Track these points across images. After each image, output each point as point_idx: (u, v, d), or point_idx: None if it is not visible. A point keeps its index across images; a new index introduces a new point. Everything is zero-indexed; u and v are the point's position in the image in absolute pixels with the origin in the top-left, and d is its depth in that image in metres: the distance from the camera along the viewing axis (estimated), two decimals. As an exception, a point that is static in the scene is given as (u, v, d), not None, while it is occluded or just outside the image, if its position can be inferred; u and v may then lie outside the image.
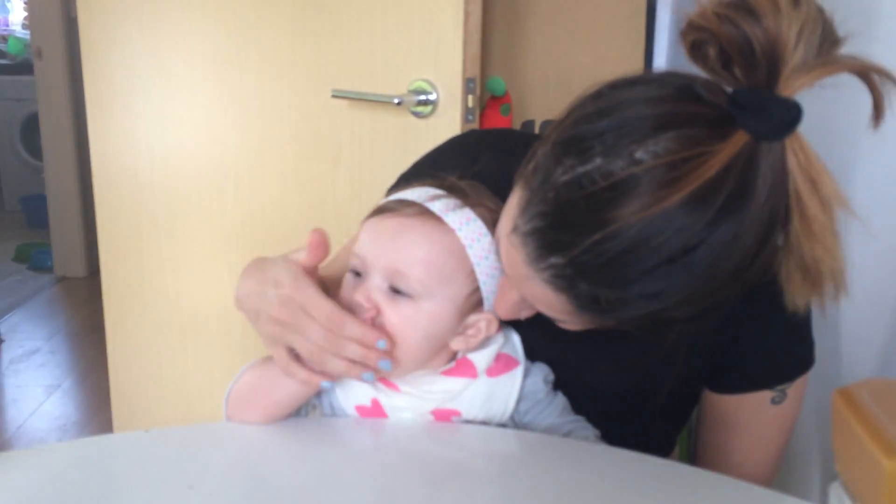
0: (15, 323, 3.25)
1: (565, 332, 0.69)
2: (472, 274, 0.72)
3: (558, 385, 0.78)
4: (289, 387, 0.72)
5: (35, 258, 3.94)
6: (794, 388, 0.79)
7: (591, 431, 0.76)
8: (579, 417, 0.77)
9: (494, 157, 0.83)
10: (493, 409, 0.74)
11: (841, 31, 0.56)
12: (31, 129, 4.61)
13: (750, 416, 0.80)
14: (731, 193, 0.54)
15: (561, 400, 0.77)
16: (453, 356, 0.75)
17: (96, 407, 2.50)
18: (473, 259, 0.71)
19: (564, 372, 0.78)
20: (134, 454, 0.69)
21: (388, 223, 0.72)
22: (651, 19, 1.58)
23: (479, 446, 0.72)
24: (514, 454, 0.73)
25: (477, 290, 0.72)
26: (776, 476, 0.85)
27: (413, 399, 0.73)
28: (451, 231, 0.71)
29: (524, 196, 0.61)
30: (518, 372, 0.75)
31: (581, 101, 0.61)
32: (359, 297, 0.70)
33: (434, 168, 0.85)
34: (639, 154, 0.54)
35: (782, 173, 0.55)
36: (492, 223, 0.71)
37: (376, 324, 0.70)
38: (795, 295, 0.59)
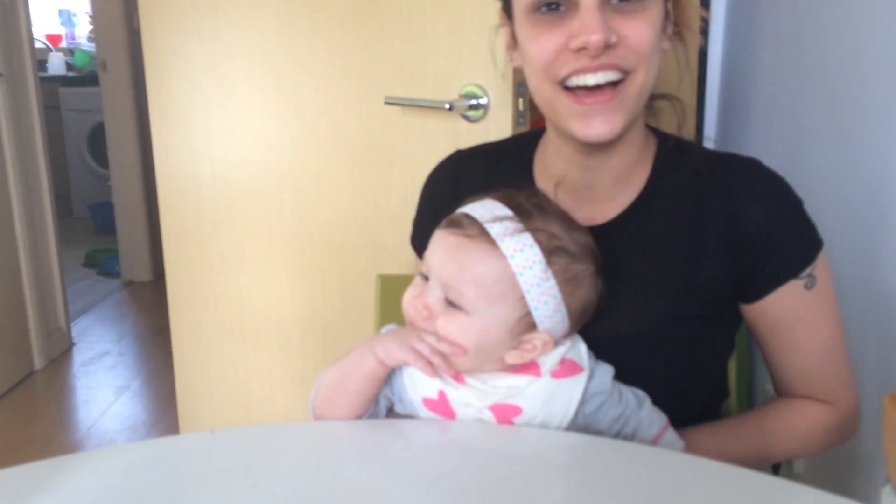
0: (85, 326, 3.37)
1: None
2: (522, 299, 0.74)
3: (594, 331, 0.81)
4: (362, 374, 0.76)
5: (103, 263, 4.07)
6: (819, 270, 0.83)
7: (655, 427, 0.78)
8: (641, 399, 0.79)
9: (478, 169, 0.88)
10: (554, 410, 0.75)
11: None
12: (97, 138, 4.78)
13: (794, 309, 0.83)
14: None
15: (626, 395, 0.79)
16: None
17: (164, 407, 2.58)
18: (523, 286, 0.74)
19: (593, 321, 0.81)
20: (201, 454, 0.71)
21: (451, 239, 0.76)
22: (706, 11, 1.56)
23: (538, 450, 0.73)
24: (578, 459, 0.73)
25: (528, 314, 0.75)
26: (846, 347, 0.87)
27: (477, 392, 0.75)
28: (503, 257, 0.74)
29: None
30: (582, 378, 0.76)
31: None
32: (418, 304, 0.76)
33: (431, 201, 0.96)
34: None
35: None
36: (549, 250, 0.74)
37: (430, 326, 0.75)
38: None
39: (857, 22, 1.06)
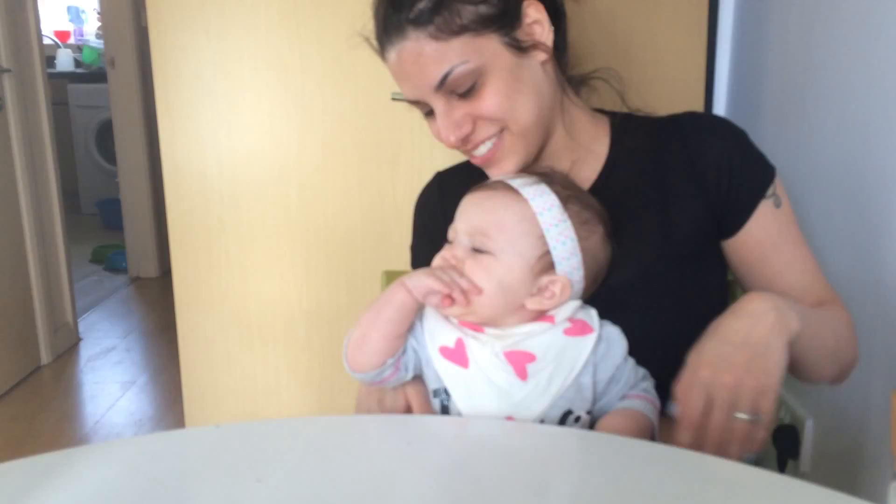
0: (92, 322, 3.38)
1: None
2: (542, 238, 0.82)
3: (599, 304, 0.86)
4: (393, 306, 0.80)
5: (111, 259, 4.09)
6: (779, 189, 0.91)
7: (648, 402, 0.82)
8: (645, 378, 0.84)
9: (459, 184, 0.94)
10: (563, 364, 0.79)
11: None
12: (105, 135, 4.80)
13: (773, 228, 0.91)
14: None
15: (638, 369, 0.83)
16: (532, 318, 0.82)
17: (170, 403, 2.59)
18: (543, 225, 0.82)
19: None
20: (205, 448, 0.72)
21: (476, 195, 0.85)
22: (713, 13, 1.55)
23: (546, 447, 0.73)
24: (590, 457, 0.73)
25: (547, 253, 0.82)
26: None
27: (492, 338, 0.80)
28: (524, 200, 0.82)
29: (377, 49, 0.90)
30: (591, 338, 0.81)
31: None
32: (446, 254, 0.82)
33: (423, 224, 1.04)
34: None
35: None
36: (564, 197, 0.83)
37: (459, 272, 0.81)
38: None
39: (866, 18, 1.06)
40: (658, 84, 1.50)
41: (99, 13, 4.34)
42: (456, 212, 0.85)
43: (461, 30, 0.82)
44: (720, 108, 1.65)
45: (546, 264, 0.82)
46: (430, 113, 0.89)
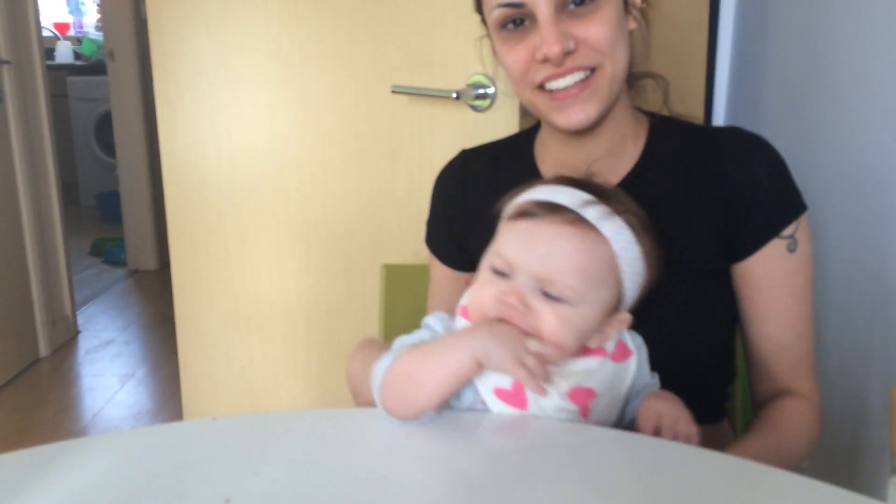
0: (91, 314, 3.38)
1: None
2: (619, 280, 0.76)
3: None
4: (452, 372, 0.71)
5: (110, 252, 4.09)
6: (801, 234, 0.87)
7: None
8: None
9: (483, 167, 0.92)
10: (615, 391, 0.77)
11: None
12: (105, 127, 4.79)
13: (778, 271, 0.87)
14: None
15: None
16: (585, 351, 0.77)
17: (168, 395, 2.59)
18: (622, 267, 0.75)
19: None
20: (202, 441, 0.71)
21: (541, 230, 0.74)
22: (714, 12, 1.55)
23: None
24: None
25: (619, 295, 0.77)
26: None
27: (553, 377, 0.73)
28: (605, 240, 0.74)
29: None
30: (633, 361, 0.79)
31: None
32: (511, 299, 0.72)
33: (443, 202, 1.00)
34: None
35: None
36: (640, 230, 0.77)
37: (528, 324, 0.72)
38: None
39: (865, 14, 1.05)
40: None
41: (98, 5, 4.33)
42: (506, 239, 0.76)
43: None
44: (720, 107, 1.64)
45: (617, 304, 0.77)
46: (518, 25, 0.83)
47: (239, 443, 0.70)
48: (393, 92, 1.35)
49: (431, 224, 1.04)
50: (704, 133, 0.91)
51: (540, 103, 0.86)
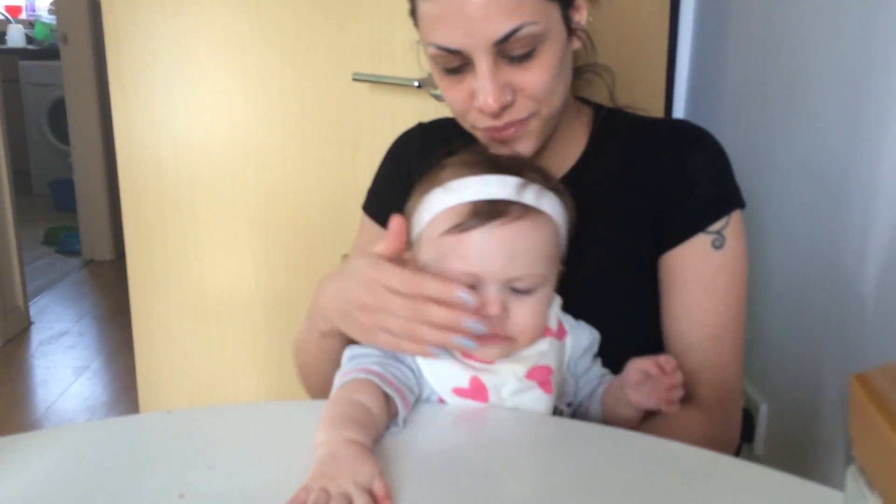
0: (44, 305, 3.30)
1: None
2: (560, 251, 0.79)
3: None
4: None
5: (63, 242, 3.99)
6: (731, 231, 0.84)
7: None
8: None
9: (443, 142, 0.86)
10: (561, 368, 0.79)
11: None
12: (58, 114, 4.67)
13: (698, 266, 0.84)
14: None
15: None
16: None
17: (124, 388, 2.54)
18: (562, 234, 0.78)
19: None
20: (155, 435, 0.70)
21: (497, 234, 0.72)
22: (675, 7, 1.56)
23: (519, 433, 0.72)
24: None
25: (561, 262, 0.79)
26: (743, 337, 0.87)
27: (510, 365, 0.73)
28: (549, 217, 0.76)
29: None
30: (568, 339, 0.80)
31: None
32: (492, 310, 0.71)
33: (396, 166, 0.97)
34: None
35: None
36: (557, 189, 0.78)
37: (504, 323, 0.72)
38: None
39: (826, 14, 1.07)
40: (619, 78, 1.50)
41: (51, -12, 4.21)
42: (462, 254, 0.72)
43: None
44: (680, 102, 1.66)
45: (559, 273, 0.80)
46: (454, 70, 0.79)
47: (193, 436, 0.69)
48: (354, 80, 1.34)
49: (379, 190, 0.99)
50: (648, 125, 0.91)
51: (478, 136, 0.85)
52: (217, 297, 1.57)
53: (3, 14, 5.12)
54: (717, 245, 0.84)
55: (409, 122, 1.02)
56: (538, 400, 0.74)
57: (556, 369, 0.76)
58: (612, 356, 0.81)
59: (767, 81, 1.25)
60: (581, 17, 0.82)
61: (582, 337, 0.81)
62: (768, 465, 0.66)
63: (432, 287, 0.68)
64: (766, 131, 1.25)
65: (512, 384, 0.73)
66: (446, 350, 0.72)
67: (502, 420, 0.73)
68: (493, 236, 0.72)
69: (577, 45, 0.84)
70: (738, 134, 1.35)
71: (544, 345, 0.76)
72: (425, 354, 0.71)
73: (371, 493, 0.57)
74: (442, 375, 0.73)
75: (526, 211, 0.73)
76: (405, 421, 0.69)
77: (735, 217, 0.85)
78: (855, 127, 0.98)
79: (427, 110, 1.32)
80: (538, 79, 0.78)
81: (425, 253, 0.75)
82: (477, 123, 0.82)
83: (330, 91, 1.40)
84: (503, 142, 0.82)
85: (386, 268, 0.69)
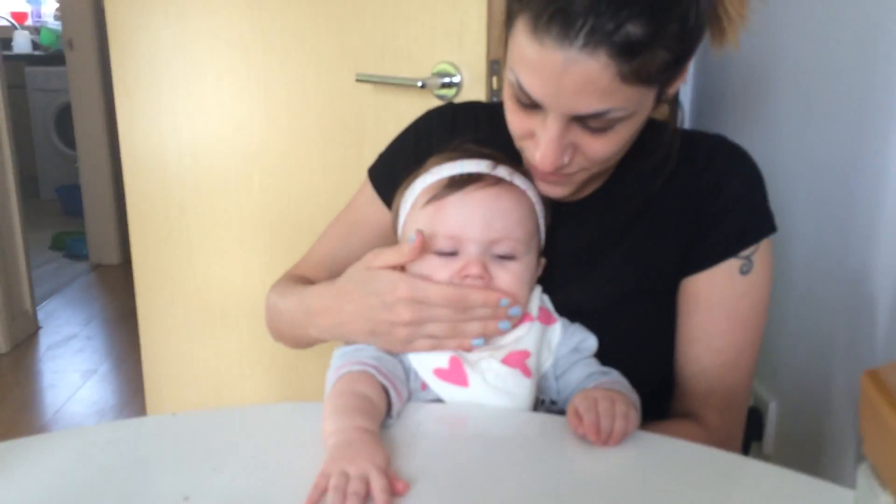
0: (52, 310, 3.31)
1: (557, 257, 0.82)
2: (539, 228, 0.80)
3: (555, 304, 0.83)
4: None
5: (71, 246, 4.00)
6: (759, 257, 0.82)
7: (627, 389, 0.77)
8: (609, 370, 0.79)
9: (474, 126, 0.87)
10: (544, 351, 0.78)
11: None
12: (65, 119, 4.67)
13: (724, 291, 0.82)
14: None
15: (594, 361, 0.80)
16: None
17: (132, 391, 2.54)
18: (538, 212, 0.80)
19: (558, 292, 0.83)
20: (161, 437, 0.70)
21: (476, 198, 0.76)
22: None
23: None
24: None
25: (540, 241, 0.81)
26: (754, 366, 0.86)
27: (488, 351, 0.76)
28: (523, 192, 0.79)
29: (528, 10, 0.67)
30: (557, 327, 0.80)
31: None
32: (473, 271, 0.74)
33: (419, 143, 0.93)
34: None
35: None
36: (530, 176, 0.80)
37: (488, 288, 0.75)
38: (730, 17, 0.74)
39: (828, 11, 1.06)
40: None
41: (57, -7, 4.22)
42: (440, 218, 0.76)
43: (647, 79, 0.68)
44: (685, 99, 1.65)
45: (539, 253, 0.82)
46: (526, 106, 0.73)
47: (199, 439, 0.69)
48: (357, 81, 1.33)
49: (391, 159, 0.96)
50: (686, 143, 0.85)
51: (523, 156, 0.81)
52: (223, 300, 1.57)
53: (9, 20, 5.14)
54: (745, 270, 0.82)
55: (412, 122, 1.01)
56: (519, 384, 0.74)
57: (535, 353, 0.76)
58: (626, 376, 0.78)
59: (772, 82, 1.24)
60: (678, 86, 0.75)
61: (572, 338, 0.80)
62: (778, 463, 0.65)
63: (479, 298, 0.73)
64: (772, 131, 1.24)
65: (491, 369, 0.74)
66: (485, 339, 0.75)
67: (494, 416, 0.72)
68: (469, 199, 0.76)
69: (660, 111, 0.79)
70: (743, 134, 1.34)
71: (521, 330, 0.77)
72: (467, 348, 0.75)
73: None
74: (423, 357, 0.75)
75: (500, 181, 0.77)
76: (398, 414, 0.71)
77: (765, 243, 0.82)
78: (861, 125, 0.97)
79: (431, 110, 1.32)
80: (606, 149, 0.74)
81: (409, 234, 0.77)
82: (525, 152, 0.78)
83: (333, 92, 1.40)
84: (553, 184, 0.79)
85: (424, 287, 0.74)
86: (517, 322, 0.77)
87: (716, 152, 0.84)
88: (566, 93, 0.68)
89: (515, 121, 0.76)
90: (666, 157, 0.84)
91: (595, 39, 0.64)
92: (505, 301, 0.74)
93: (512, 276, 0.76)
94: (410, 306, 0.73)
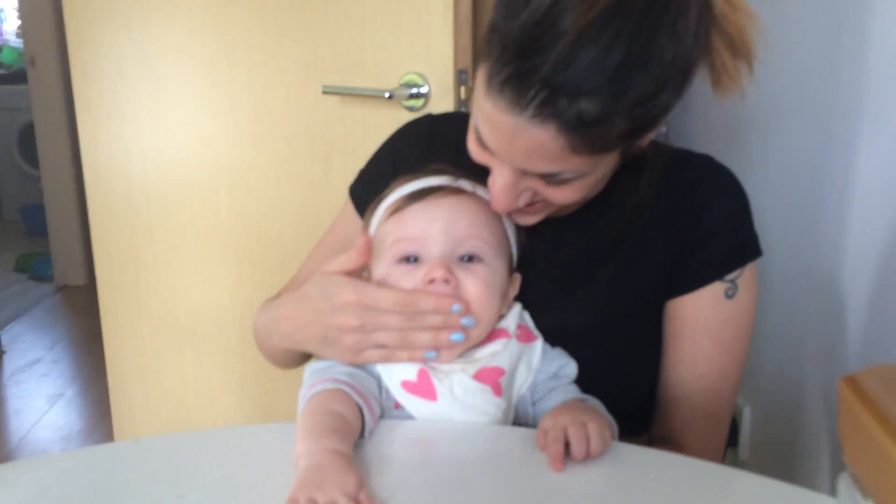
0: (17, 333, 3.23)
1: (539, 275, 0.80)
2: (507, 237, 0.79)
3: (537, 325, 0.81)
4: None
5: (35, 268, 3.92)
6: (744, 281, 0.81)
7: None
8: (588, 397, 0.76)
9: (452, 137, 0.85)
10: (521, 370, 0.76)
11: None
12: (28, 138, 4.59)
13: (709, 315, 0.81)
14: None
15: (573, 387, 0.78)
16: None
17: (100, 416, 2.48)
18: (506, 223, 0.79)
19: (541, 313, 0.80)
20: (124, 464, 0.67)
21: (438, 204, 0.75)
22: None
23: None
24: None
25: (511, 254, 0.79)
26: (738, 392, 0.85)
27: (460, 365, 0.73)
28: (488, 202, 0.76)
29: (487, 64, 0.65)
30: (537, 345, 0.78)
31: None
32: (437, 274, 0.71)
33: (396, 158, 0.92)
34: None
35: None
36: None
37: (455, 294, 0.72)
38: (729, 75, 0.71)
39: (796, 18, 1.07)
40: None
41: (18, 11, 4.16)
42: (403, 226, 0.75)
43: (602, 149, 0.66)
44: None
45: (511, 263, 0.79)
46: (483, 146, 0.72)
47: (163, 464, 0.66)
48: (324, 93, 1.32)
49: (369, 176, 0.94)
50: (673, 162, 0.83)
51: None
52: (191, 319, 1.54)
53: (-31, 39, 5.05)
54: (730, 294, 0.80)
55: (381, 135, 1.00)
56: (488, 402, 0.72)
57: (509, 371, 0.74)
58: (609, 401, 0.76)
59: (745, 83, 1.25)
60: (651, 136, 0.72)
61: (552, 364, 0.78)
62: (753, 468, 0.65)
63: (430, 302, 0.70)
64: (740, 139, 1.24)
65: (461, 384, 0.72)
66: (437, 351, 0.72)
67: (469, 432, 0.71)
68: (430, 206, 0.75)
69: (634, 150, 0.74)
70: (710, 142, 1.35)
71: (497, 346, 0.75)
72: (418, 359, 0.72)
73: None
74: (392, 368, 0.73)
75: (462, 191, 0.77)
76: (371, 433, 0.69)
77: (750, 267, 0.82)
78: (828, 136, 0.98)
79: (399, 122, 1.30)
80: (567, 197, 0.72)
81: (376, 252, 0.76)
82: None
83: (300, 105, 1.38)
84: (516, 215, 0.78)
85: (373, 292, 0.71)
86: (490, 337, 0.75)
87: (703, 173, 0.83)
88: (516, 153, 0.68)
89: (474, 151, 0.74)
90: (651, 176, 0.82)
91: (545, 112, 0.63)
92: (457, 307, 0.70)
93: (479, 281, 0.73)
94: (357, 311, 0.71)
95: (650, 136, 0.71)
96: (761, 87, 1.18)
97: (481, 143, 0.71)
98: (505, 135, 0.66)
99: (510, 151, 0.68)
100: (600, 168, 0.72)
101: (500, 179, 0.71)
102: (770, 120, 1.15)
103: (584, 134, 0.63)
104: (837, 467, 0.96)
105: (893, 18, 0.85)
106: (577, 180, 0.70)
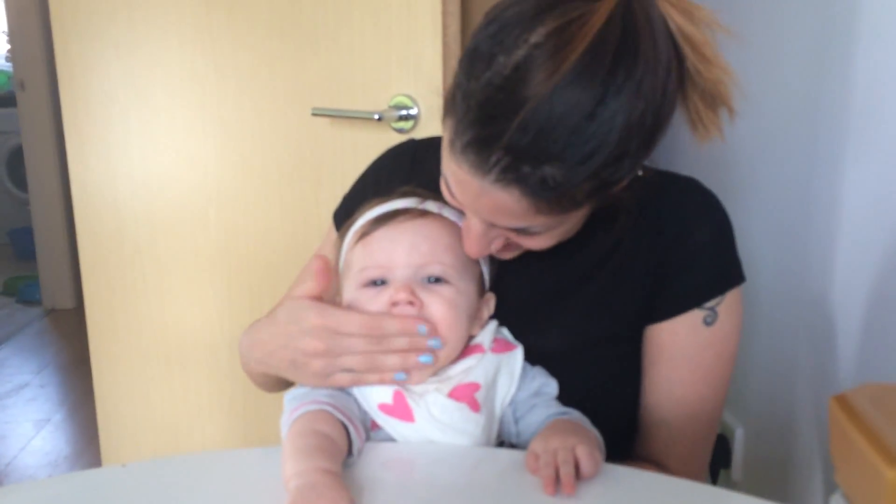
0: (4, 357, 3.20)
1: (517, 299, 0.80)
2: (477, 262, 0.78)
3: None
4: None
5: (23, 291, 3.90)
6: (725, 308, 0.80)
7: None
8: (570, 410, 0.76)
9: (432, 166, 0.84)
10: (502, 381, 0.75)
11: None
12: (17, 161, 4.58)
13: (687, 342, 0.80)
14: (620, 42, 0.60)
15: (555, 403, 0.77)
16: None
17: (87, 440, 2.46)
18: None
19: (519, 336, 0.80)
20: (111, 490, 0.66)
21: (399, 228, 0.75)
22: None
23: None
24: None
25: (482, 274, 0.79)
26: (721, 416, 0.85)
27: (434, 384, 0.73)
28: (453, 223, 0.77)
29: (451, 122, 0.66)
30: (518, 353, 0.77)
31: (475, 28, 0.66)
32: (401, 296, 0.71)
33: (378, 182, 0.93)
34: (530, 37, 0.61)
35: (660, 16, 0.64)
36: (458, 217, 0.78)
37: (420, 316, 0.72)
38: (705, 125, 0.70)
39: (779, 25, 1.08)
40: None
41: (8, 35, 4.16)
42: (368, 252, 0.75)
43: (569, 208, 0.67)
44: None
45: (482, 285, 0.79)
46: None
47: (151, 491, 0.65)
48: (313, 114, 1.32)
49: (351, 201, 0.94)
50: (657, 187, 0.80)
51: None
52: (180, 342, 1.53)
53: (-42, 63, 5.05)
54: (709, 321, 0.80)
55: (370, 156, 1.00)
56: (466, 419, 0.71)
57: (490, 381, 0.74)
58: (589, 419, 0.75)
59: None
60: (624, 184, 0.69)
61: (533, 382, 0.77)
62: (746, 489, 0.64)
63: (395, 325, 0.70)
64: (727, 155, 1.25)
65: (436, 404, 0.72)
66: (406, 373, 0.72)
67: (455, 453, 0.70)
68: (395, 230, 0.75)
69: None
70: (698, 157, 1.36)
71: (471, 361, 0.75)
72: (388, 382, 0.72)
73: None
74: (368, 392, 0.73)
75: (426, 213, 0.77)
76: (359, 452, 0.69)
77: (732, 294, 0.80)
78: (815, 149, 0.99)
79: (389, 144, 1.31)
80: (540, 244, 0.73)
81: (344, 277, 0.77)
82: None
83: (289, 127, 1.38)
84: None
85: (337, 315, 0.71)
86: (464, 354, 0.75)
87: (686, 197, 0.82)
88: (483, 210, 0.69)
89: (446, 196, 0.74)
90: (636, 201, 0.79)
91: (508, 178, 0.63)
92: (423, 328, 0.70)
93: (444, 302, 0.72)
94: (322, 336, 0.71)
95: (621, 187, 0.69)
96: (747, 103, 1.19)
97: (451, 192, 0.72)
98: (470, 193, 0.67)
99: (476, 208, 0.69)
100: (570, 220, 0.71)
101: (472, 228, 0.72)
102: (757, 142, 1.16)
103: (548, 197, 0.64)
104: (830, 487, 0.96)
105: (878, 42, 0.86)
106: (547, 231, 0.71)
